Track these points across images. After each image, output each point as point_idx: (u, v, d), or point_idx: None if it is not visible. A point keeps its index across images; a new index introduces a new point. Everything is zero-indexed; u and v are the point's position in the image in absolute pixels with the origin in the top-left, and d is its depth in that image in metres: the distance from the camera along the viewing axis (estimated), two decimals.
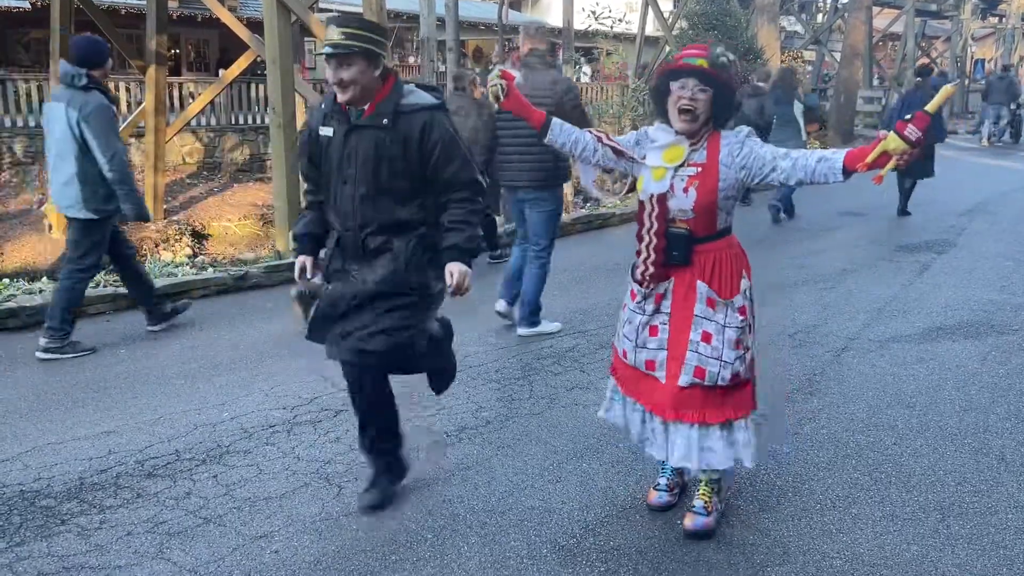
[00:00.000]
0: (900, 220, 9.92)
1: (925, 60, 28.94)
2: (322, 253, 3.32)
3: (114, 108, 5.33)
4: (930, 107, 2.66)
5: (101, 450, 3.90)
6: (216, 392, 4.63)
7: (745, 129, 3.01)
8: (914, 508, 3.34)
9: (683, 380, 2.98)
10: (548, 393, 4.57)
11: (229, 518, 3.29)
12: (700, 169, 2.94)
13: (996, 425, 4.12)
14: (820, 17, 30.46)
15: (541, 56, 5.41)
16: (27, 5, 18.24)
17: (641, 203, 3.05)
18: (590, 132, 3.16)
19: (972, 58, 31.20)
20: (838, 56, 23.89)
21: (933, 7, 28.29)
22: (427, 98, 3.12)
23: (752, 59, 15.00)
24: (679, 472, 3.36)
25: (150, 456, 3.83)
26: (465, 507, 3.37)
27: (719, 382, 2.97)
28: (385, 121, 3.05)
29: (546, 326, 5.63)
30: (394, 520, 3.27)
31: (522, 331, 5.58)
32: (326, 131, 3.14)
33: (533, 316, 5.57)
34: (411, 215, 3.13)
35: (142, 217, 5.47)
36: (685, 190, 2.94)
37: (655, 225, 2.98)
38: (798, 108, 9.64)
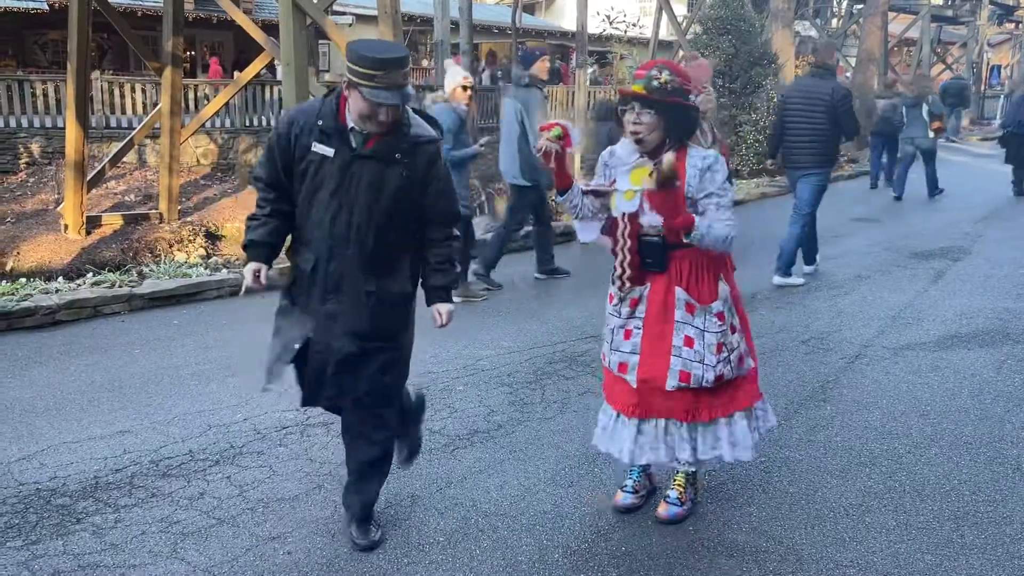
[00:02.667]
0: (917, 227, 9.90)
1: (940, 66, 28.81)
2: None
3: (545, 100, 6.96)
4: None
5: (116, 450, 3.93)
6: (230, 393, 4.66)
7: (711, 156, 3.05)
8: (928, 517, 3.33)
9: (670, 384, 3.07)
10: (560, 398, 4.57)
11: (242, 519, 3.31)
12: None
13: (1012, 434, 4.10)
14: (835, 22, 30.38)
15: (828, 68, 7.02)
16: (45, 6, 18.41)
17: (614, 219, 3.16)
18: (579, 187, 3.21)
19: (988, 64, 31.02)
20: (853, 61, 23.79)
21: (949, 12, 28.16)
22: (430, 130, 3.06)
23: (766, 64, 14.95)
24: (647, 475, 3.45)
25: (164, 456, 3.86)
26: (477, 511, 3.38)
27: (704, 384, 3.07)
28: (399, 156, 2.95)
29: (794, 280, 6.99)
30: (407, 523, 3.29)
31: (776, 280, 6.96)
32: (323, 149, 2.93)
33: (787, 268, 6.98)
34: (401, 248, 3.08)
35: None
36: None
37: (628, 242, 3.09)
38: (925, 110, 12.02)
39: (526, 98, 6.78)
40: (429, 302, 3.19)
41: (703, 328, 3.07)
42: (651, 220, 3.04)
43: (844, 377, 4.89)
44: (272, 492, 3.52)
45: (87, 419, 4.30)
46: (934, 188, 12.26)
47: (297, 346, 3.05)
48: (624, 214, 3.10)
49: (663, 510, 3.26)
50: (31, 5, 18.67)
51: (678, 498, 3.28)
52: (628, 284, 3.13)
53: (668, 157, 2.87)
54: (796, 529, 3.24)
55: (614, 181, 3.16)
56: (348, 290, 3.00)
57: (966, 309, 6.29)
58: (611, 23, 19.49)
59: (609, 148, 3.25)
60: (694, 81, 7.47)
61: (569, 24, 25.26)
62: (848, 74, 22.58)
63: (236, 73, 18.27)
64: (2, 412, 4.39)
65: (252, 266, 3.08)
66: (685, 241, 2.99)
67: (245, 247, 3.14)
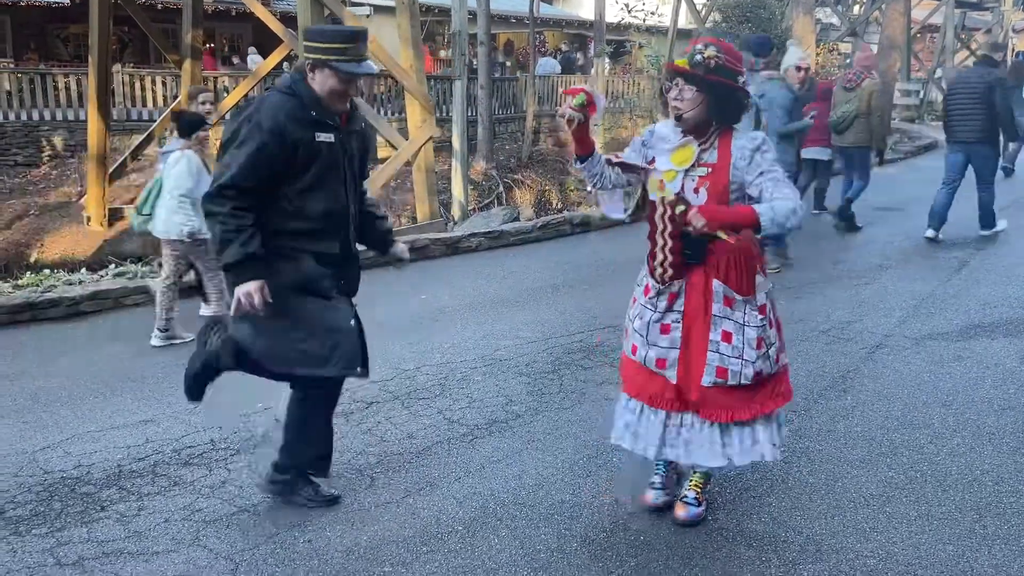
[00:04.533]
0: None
1: (965, 53, 28.39)
2: None
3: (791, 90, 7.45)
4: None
5: (139, 439, 3.97)
6: (250, 383, 4.68)
7: (759, 137, 2.96)
8: (950, 508, 3.30)
9: (706, 380, 2.96)
10: (578, 388, 4.57)
11: (263, 507, 3.34)
12: (711, 170, 2.91)
13: None
14: (857, 8, 29.96)
15: (990, 59, 8.23)
16: (66, 0, 18.54)
17: (652, 204, 3.02)
18: (604, 158, 3.09)
19: (1013, 50, 30.51)
20: (875, 48, 23.51)
21: None
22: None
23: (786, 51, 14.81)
24: (673, 468, 3.34)
25: (186, 445, 3.90)
26: (495, 500, 3.39)
27: (742, 380, 2.96)
28: (364, 124, 3.25)
29: (999, 226, 8.25)
30: (425, 512, 3.31)
31: (984, 232, 8.23)
32: (326, 137, 3.00)
33: (991, 223, 8.20)
34: None
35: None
36: (696, 190, 2.92)
37: (669, 226, 2.95)
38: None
39: (760, 85, 7.48)
40: (388, 247, 3.45)
41: (743, 322, 2.95)
42: (693, 203, 2.88)
43: (865, 367, 4.85)
44: None
45: (111, 409, 4.35)
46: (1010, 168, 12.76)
47: (352, 323, 3.16)
48: (663, 198, 2.95)
49: (682, 511, 3.17)
50: None
51: (696, 498, 3.19)
52: (670, 273, 2.99)
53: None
54: (816, 519, 3.22)
55: (653, 160, 3.02)
56: (353, 258, 3.22)
57: (989, 298, 6.22)
58: (629, 11, 19.40)
59: (650, 127, 3.12)
60: (866, 66, 8.70)
61: (587, 13, 25.13)
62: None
63: (254, 62, 18.31)
64: (27, 402, 4.45)
65: (257, 284, 2.90)
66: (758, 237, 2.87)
67: (240, 262, 2.88)
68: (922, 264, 7.36)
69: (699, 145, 2.94)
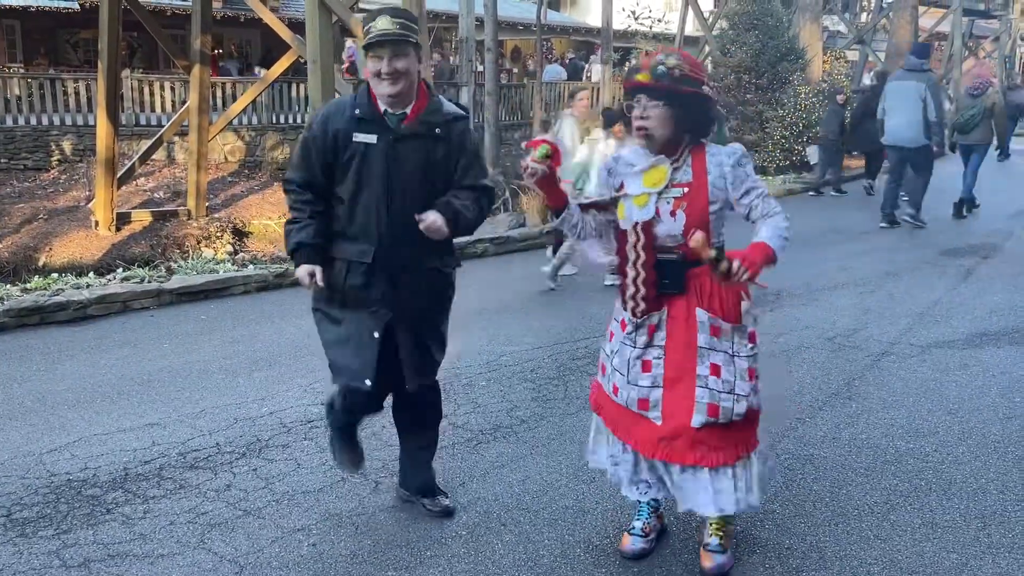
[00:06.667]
0: (947, 224, 9.76)
1: (972, 60, 28.35)
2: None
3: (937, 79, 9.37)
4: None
5: (145, 442, 3.99)
6: (256, 387, 4.71)
7: (738, 148, 2.79)
8: (954, 516, 3.29)
9: (696, 420, 2.72)
10: (582, 394, 4.57)
11: (268, 511, 3.35)
12: (687, 189, 2.72)
13: None
14: (864, 16, 29.96)
15: None
16: (76, 6, 18.68)
17: (623, 233, 2.81)
18: (576, 204, 2.89)
19: (1021, 59, 30.48)
20: (882, 56, 23.47)
21: (981, 6, 27.69)
22: (456, 108, 3.12)
23: (793, 59, 14.81)
24: (657, 515, 3.09)
25: (192, 448, 3.92)
26: (499, 505, 3.39)
27: (733, 418, 2.74)
28: (438, 131, 2.98)
29: None
30: (429, 516, 3.31)
31: None
32: (365, 137, 2.93)
33: None
34: None
35: (943, 148, 9.37)
36: (672, 213, 2.71)
37: (642, 256, 2.73)
38: None
39: (923, 79, 8.93)
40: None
41: (732, 352, 2.74)
42: (669, 229, 2.71)
43: (870, 375, 4.84)
44: (297, 485, 3.56)
45: (117, 411, 4.37)
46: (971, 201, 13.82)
47: (377, 335, 3.02)
48: (636, 224, 2.73)
49: (709, 562, 2.88)
50: (63, 5, 18.95)
51: (720, 544, 2.90)
52: (643, 308, 2.76)
53: (697, 236, 2.51)
54: (820, 527, 3.22)
55: (622, 186, 2.81)
56: (415, 270, 3.03)
57: (996, 306, 6.21)
58: (636, 19, 19.43)
59: (616, 154, 2.96)
60: (985, 76, 10.10)
61: (594, 20, 25.19)
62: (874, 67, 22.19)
63: (261, 70, 18.41)
64: (34, 404, 4.48)
65: (306, 268, 2.99)
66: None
67: (293, 252, 3.02)
68: (929, 272, 7.36)
69: (671, 164, 2.75)
